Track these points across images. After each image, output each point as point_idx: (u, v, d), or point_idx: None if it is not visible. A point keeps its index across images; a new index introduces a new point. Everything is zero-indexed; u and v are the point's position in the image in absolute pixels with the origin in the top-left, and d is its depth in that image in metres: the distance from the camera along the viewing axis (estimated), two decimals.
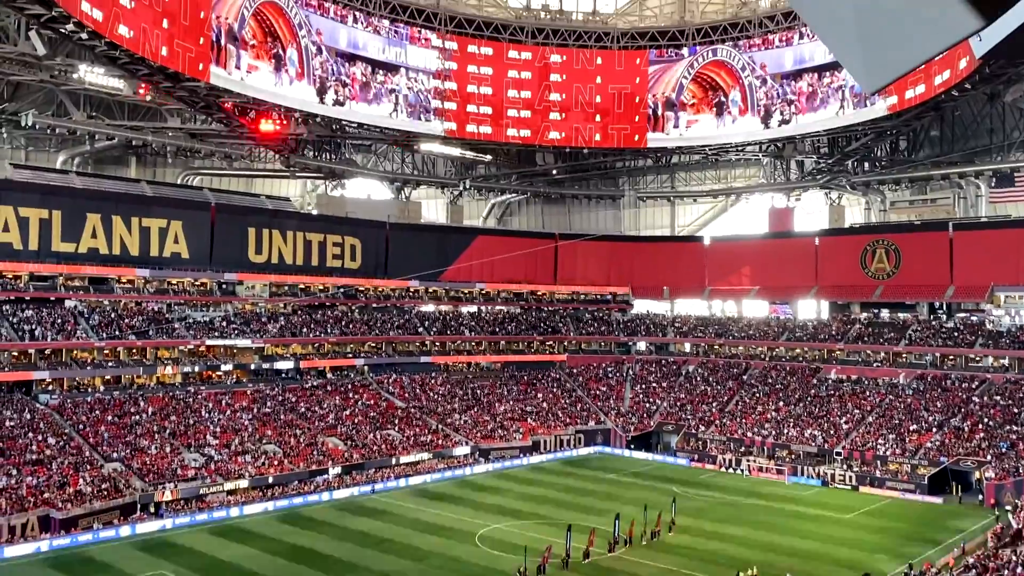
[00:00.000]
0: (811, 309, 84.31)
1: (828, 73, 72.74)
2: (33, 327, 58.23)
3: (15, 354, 56.69)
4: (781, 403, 69.72)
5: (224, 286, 71.67)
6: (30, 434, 50.48)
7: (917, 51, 2.35)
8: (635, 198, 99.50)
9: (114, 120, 71.29)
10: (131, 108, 73.11)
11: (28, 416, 52.67)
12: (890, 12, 2.31)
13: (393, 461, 59.77)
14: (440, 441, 64.46)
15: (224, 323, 68.70)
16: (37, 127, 66.51)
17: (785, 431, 65.20)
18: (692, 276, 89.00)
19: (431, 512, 48.94)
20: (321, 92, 71.60)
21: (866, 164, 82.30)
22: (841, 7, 2.41)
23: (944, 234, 74.31)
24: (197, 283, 70.13)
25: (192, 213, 69.91)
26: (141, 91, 65.49)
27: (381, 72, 75.85)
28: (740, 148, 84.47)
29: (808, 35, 73.28)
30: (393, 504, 51.27)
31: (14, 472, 45.78)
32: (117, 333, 61.62)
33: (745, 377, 76.45)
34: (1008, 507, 46.75)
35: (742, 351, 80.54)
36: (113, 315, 63.49)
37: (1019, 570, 31.20)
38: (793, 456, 62.17)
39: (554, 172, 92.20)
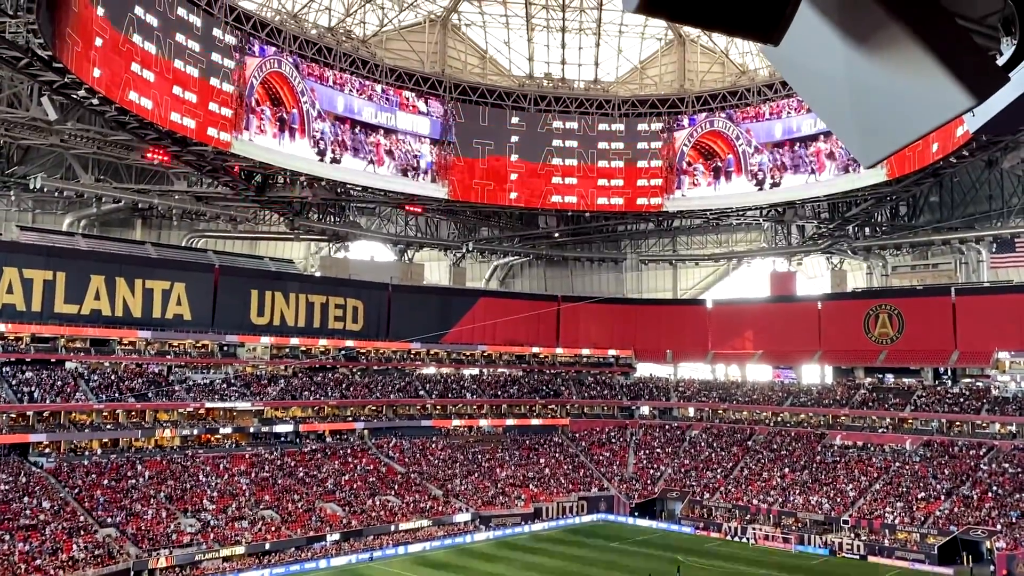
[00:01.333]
0: (815, 374, 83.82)
1: (813, 142, 75.90)
2: (32, 389, 57.89)
3: (13, 416, 56.22)
4: (787, 469, 68.73)
5: (225, 348, 71.51)
6: (24, 498, 49.71)
7: (911, 129, 2.35)
8: (637, 261, 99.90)
9: (121, 183, 72.19)
10: (138, 171, 74.10)
11: (23, 479, 51.94)
12: (884, 91, 2.32)
13: (392, 528, 58.69)
14: (440, 508, 63.40)
15: (224, 385, 68.32)
16: (45, 190, 67.30)
17: (791, 498, 64.11)
18: (695, 339, 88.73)
19: None
20: (321, 153, 72.67)
21: (867, 229, 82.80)
22: (836, 86, 2.42)
23: (947, 299, 74.29)
24: (198, 345, 69.99)
25: (195, 275, 70.21)
26: (149, 155, 66.35)
27: (373, 133, 77.19)
28: (741, 212, 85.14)
29: (795, 109, 76.66)
30: (391, 572, 50.15)
31: (7, 537, 44.93)
32: (117, 395, 61.24)
33: (750, 443, 75.53)
34: None
35: (746, 416, 79.77)
36: (113, 377, 63.19)
37: None
38: (799, 524, 60.99)
39: (556, 235, 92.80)
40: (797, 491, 64.81)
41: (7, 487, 50.30)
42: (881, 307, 77.87)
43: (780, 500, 64.18)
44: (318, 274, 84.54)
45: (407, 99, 79.58)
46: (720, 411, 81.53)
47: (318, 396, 72.47)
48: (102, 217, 76.32)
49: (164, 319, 67.48)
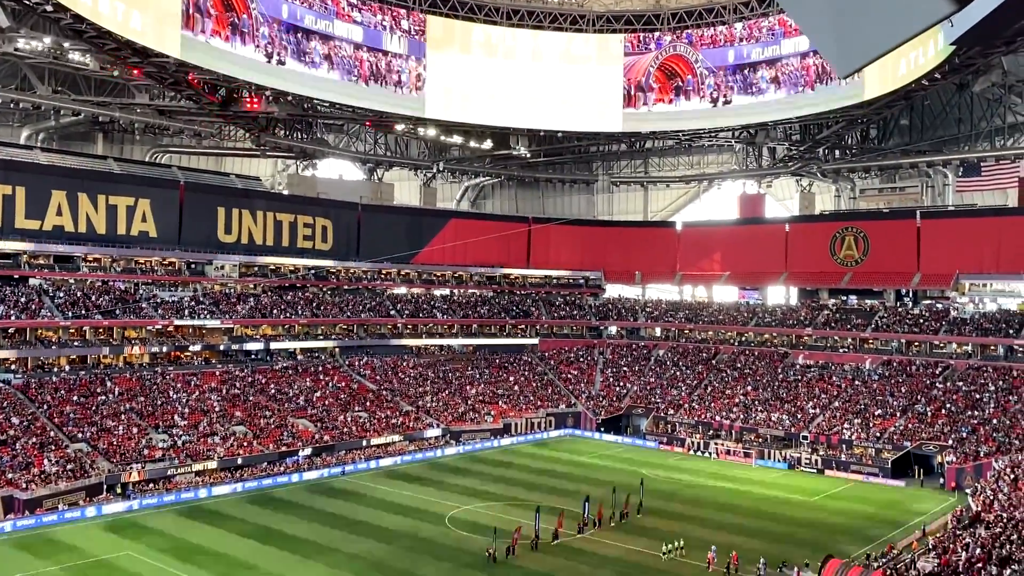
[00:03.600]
0: (780, 295, 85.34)
1: (760, 68, 78.44)
2: None
3: None
4: (749, 387, 70.56)
5: (193, 266, 70.87)
6: None
7: (890, 36, 2.35)
8: (608, 183, 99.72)
9: (80, 96, 69.84)
10: (98, 83, 71.65)
11: None
12: None
13: (363, 443, 59.65)
14: (411, 423, 64.45)
15: (193, 303, 67.95)
16: (0, 102, 64.94)
17: (753, 415, 66.02)
18: (664, 261, 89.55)
19: (401, 494, 49.00)
20: (268, 56, 69.85)
21: (837, 152, 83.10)
22: None
23: (912, 222, 75.39)
24: (165, 262, 69.26)
25: (160, 191, 68.90)
26: (108, 65, 64.10)
27: (315, 40, 73.89)
28: (713, 134, 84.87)
29: (746, 39, 78.56)
30: (363, 485, 51.23)
31: None
32: (83, 312, 60.69)
33: (714, 361, 77.21)
34: (968, 490, 47.76)
35: (712, 336, 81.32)
36: (79, 294, 62.50)
37: (978, 551, 31.92)
38: (760, 440, 63.01)
39: (527, 156, 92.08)
40: (759, 408, 66.72)
41: None
42: (847, 230, 78.86)
43: (742, 417, 66.08)
44: (286, 192, 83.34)
45: (343, 8, 75.75)
46: (686, 331, 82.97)
47: (288, 314, 72.43)
48: (61, 130, 74.16)
49: (129, 236, 66.44)
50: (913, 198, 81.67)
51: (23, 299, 58.90)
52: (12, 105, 67.44)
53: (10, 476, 43.89)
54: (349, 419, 62.37)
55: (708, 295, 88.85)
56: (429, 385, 72.56)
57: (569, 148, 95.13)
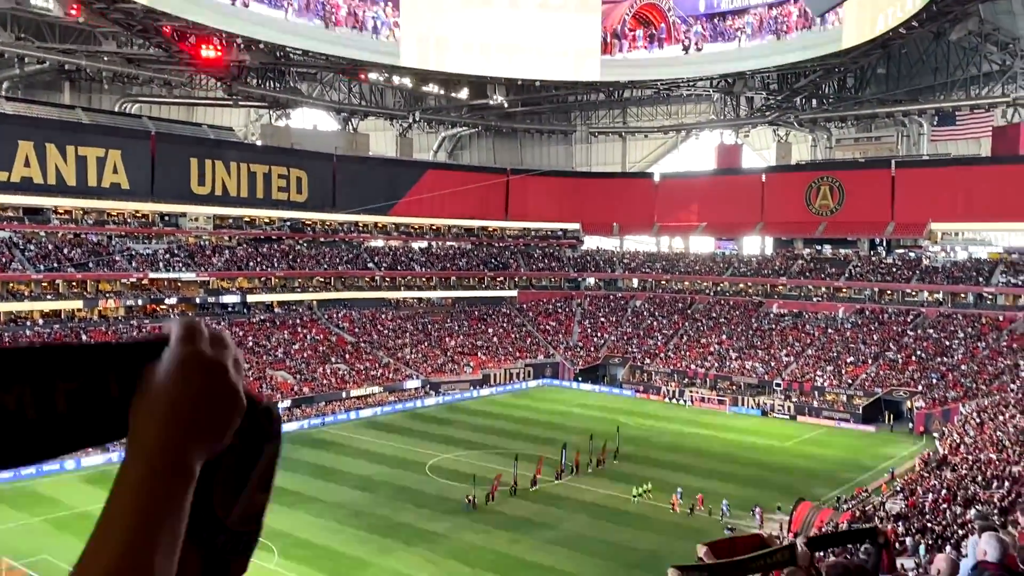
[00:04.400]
0: (756, 245, 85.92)
1: (730, 17, 79.68)
2: None
3: None
4: (724, 336, 71.45)
5: (166, 218, 69.98)
6: None
7: None
8: (587, 133, 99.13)
9: (44, 43, 67.93)
10: (63, 30, 69.66)
11: None
12: None
13: (343, 395, 59.93)
14: (390, 375, 64.74)
15: (167, 256, 67.29)
16: None
17: (727, 363, 66.99)
18: (642, 212, 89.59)
19: (381, 443, 49.45)
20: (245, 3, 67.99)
21: (814, 101, 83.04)
22: None
23: (887, 171, 75.84)
24: (138, 214, 68.31)
25: (131, 142, 67.52)
26: (73, 12, 62.28)
27: None
28: (690, 83, 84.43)
29: None
30: (343, 436, 51.62)
31: None
32: (55, 265, 59.94)
33: (690, 311, 77.98)
34: (935, 434, 49.05)
35: (688, 286, 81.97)
36: (51, 247, 61.63)
37: (944, 492, 32.92)
38: (734, 387, 64.05)
39: (505, 105, 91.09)
40: (733, 357, 67.69)
41: None
42: (823, 179, 79.24)
43: (717, 365, 67.05)
44: (259, 143, 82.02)
45: None
46: (663, 282, 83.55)
47: (265, 267, 71.97)
48: (26, 79, 72.16)
49: (101, 188, 65.30)
50: (888, 148, 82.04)
51: None
52: None
53: None
54: (328, 371, 62.52)
55: (685, 246, 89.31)
56: (408, 337, 72.74)
57: (547, 97, 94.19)
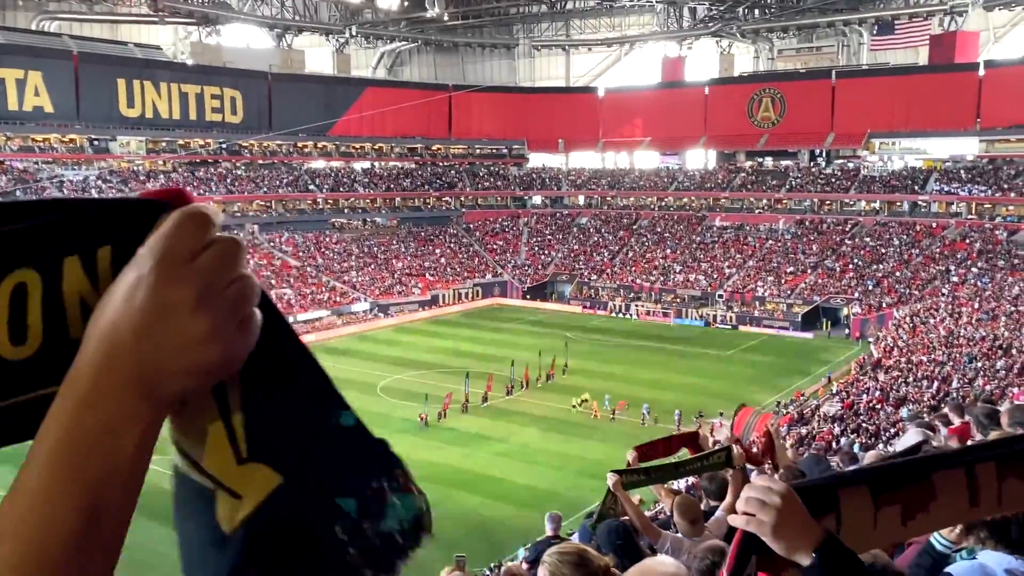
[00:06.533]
0: (699, 159, 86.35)
1: None
2: None
3: None
4: (669, 251, 72.44)
5: (96, 143, 67.24)
6: None
7: None
8: (530, 47, 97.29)
9: None
10: None
11: None
12: None
13: (291, 319, 59.20)
14: (338, 298, 64.36)
15: (100, 182, 64.95)
16: None
17: (671, 277, 68.13)
18: (587, 128, 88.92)
19: (332, 366, 48.10)
20: None
21: (756, 12, 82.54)
22: None
23: (827, 82, 76.29)
24: (66, 139, 65.47)
25: (52, 63, 64.12)
26: None
27: None
28: None
29: None
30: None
31: None
32: None
33: (635, 227, 78.62)
34: (871, 339, 50.96)
35: (633, 202, 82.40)
36: None
37: (878, 394, 34.43)
38: (678, 300, 65.31)
39: (446, 19, 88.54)
40: (677, 271, 68.81)
41: None
42: (765, 91, 79.44)
43: (661, 279, 68.15)
44: (190, 63, 78.64)
45: None
46: (608, 198, 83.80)
47: (202, 192, 69.98)
48: None
49: (23, 112, 62.28)
50: (829, 58, 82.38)
51: None
52: None
53: None
54: (274, 296, 61.60)
55: (630, 161, 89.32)
56: (354, 260, 72.08)
57: (488, 10, 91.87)
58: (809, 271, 64.25)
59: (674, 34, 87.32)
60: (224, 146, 75.29)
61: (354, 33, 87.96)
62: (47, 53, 64.80)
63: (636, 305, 65.46)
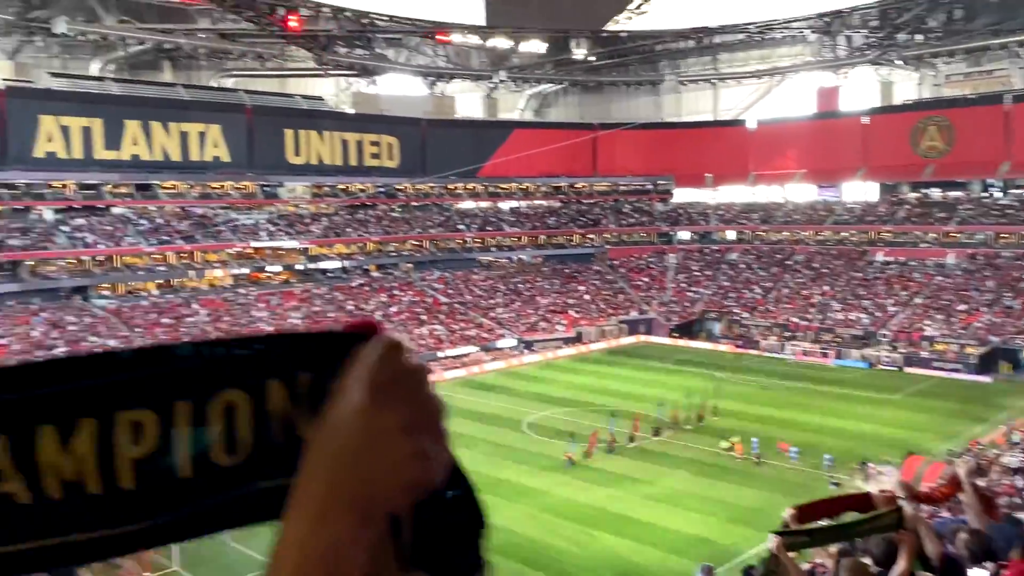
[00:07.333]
0: (858, 191, 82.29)
1: None
2: (85, 235, 59.75)
3: (71, 261, 58.44)
4: (826, 287, 69.22)
5: (266, 189, 72.33)
6: (92, 337, 52.54)
7: None
8: (676, 82, 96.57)
9: (144, 23, 70.63)
10: (160, 10, 72.22)
11: (88, 320, 54.70)
12: None
13: (440, 354, 61.11)
14: (485, 334, 65.60)
15: (269, 225, 69.66)
16: (69, 34, 66.25)
17: (830, 315, 64.95)
18: (736, 161, 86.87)
19: (479, 402, 50.25)
20: None
21: (918, 36, 78.42)
22: None
23: (999, 107, 71.20)
24: (239, 186, 70.83)
25: (229, 116, 69.93)
26: None
27: None
28: (786, 24, 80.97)
29: None
30: (442, 394, 52.58)
31: None
32: (166, 238, 62.94)
33: (789, 263, 75.75)
34: None
35: (787, 236, 79.51)
36: (160, 220, 64.71)
37: None
38: (838, 339, 62.09)
39: (594, 60, 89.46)
40: (836, 308, 65.55)
41: (76, 327, 53.10)
42: (930, 119, 75.04)
43: (819, 317, 65.09)
44: (350, 111, 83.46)
45: None
46: (760, 233, 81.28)
47: (361, 233, 73.65)
48: (129, 60, 75.34)
49: (204, 162, 68.05)
50: (1001, 81, 76.81)
51: (108, 227, 61.36)
52: (81, 37, 68.71)
53: None
54: (425, 332, 63.81)
55: (782, 194, 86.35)
56: (500, 297, 73.39)
57: (634, 49, 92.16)
58: (984, 309, 59.54)
59: (829, 63, 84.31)
60: (382, 190, 79.08)
61: (502, 78, 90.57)
62: (225, 107, 70.69)
63: (792, 345, 62.78)
